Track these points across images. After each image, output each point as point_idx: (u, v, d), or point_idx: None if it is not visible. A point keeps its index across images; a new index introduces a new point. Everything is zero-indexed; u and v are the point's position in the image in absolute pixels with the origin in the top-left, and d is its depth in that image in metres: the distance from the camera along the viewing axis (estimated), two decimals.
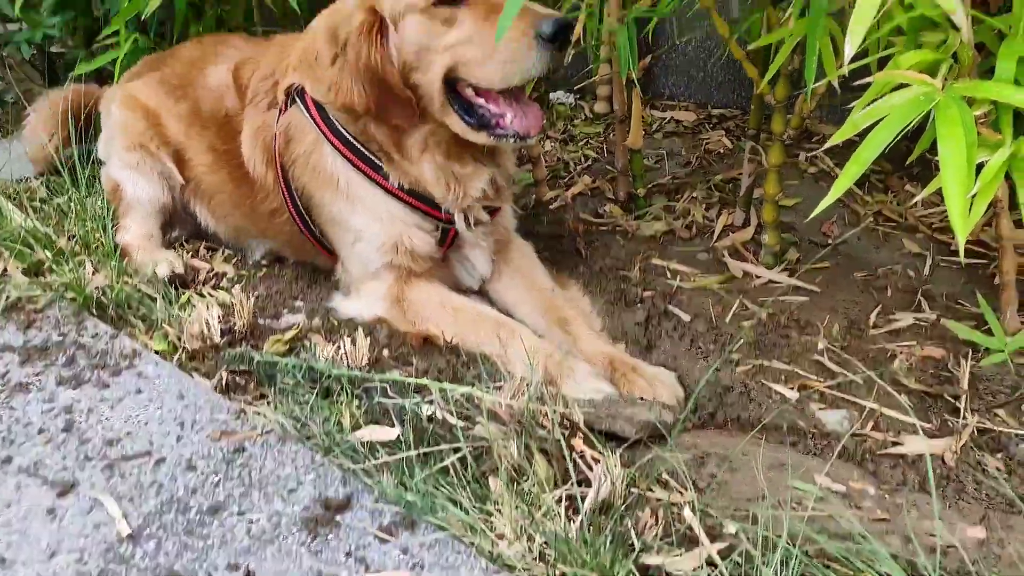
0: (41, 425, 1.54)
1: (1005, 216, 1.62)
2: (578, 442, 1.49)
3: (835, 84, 1.49)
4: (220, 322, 1.92)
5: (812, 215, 1.48)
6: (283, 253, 2.26)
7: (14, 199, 2.52)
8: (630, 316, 1.96)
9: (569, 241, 2.28)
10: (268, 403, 1.63)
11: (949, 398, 1.65)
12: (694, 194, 2.47)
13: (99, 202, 2.37)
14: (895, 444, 1.55)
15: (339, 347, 1.76)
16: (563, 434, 1.49)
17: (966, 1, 1.33)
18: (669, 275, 2.14)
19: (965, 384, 1.65)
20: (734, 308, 1.99)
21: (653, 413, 1.64)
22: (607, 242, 2.28)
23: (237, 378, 1.77)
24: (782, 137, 1.98)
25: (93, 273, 2.07)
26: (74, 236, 2.23)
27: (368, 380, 1.60)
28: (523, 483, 1.39)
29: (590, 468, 1.41)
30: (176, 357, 1.82)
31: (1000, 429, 1.54)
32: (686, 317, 1.97)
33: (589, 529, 1.26)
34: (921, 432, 1.55)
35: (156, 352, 1.82)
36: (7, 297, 1.94)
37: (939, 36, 1.41)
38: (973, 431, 1.55)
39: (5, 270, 2.10)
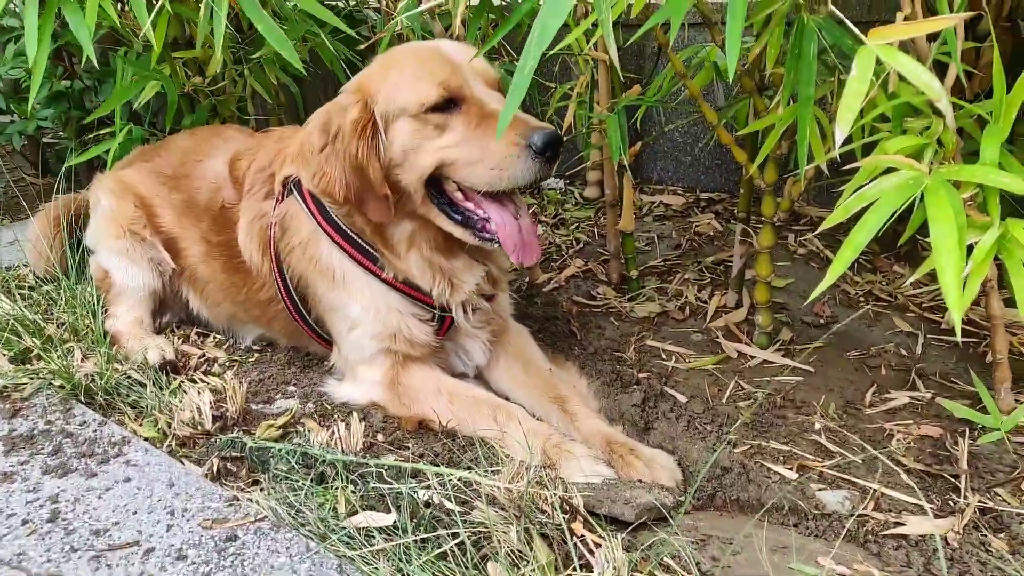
0: (25, 516, 1.50)
1: (995, 295, 1.65)
2: (578, 526, 1.46)
3: (824, 168, 1.53)
4: (212, 408, 1.90)
5: (811, 299, 1.51)
6: (276, 339, 2.25)
7: (3, 286, 2.51)
8: (626, 398, 1.96)
9: (563, 323, 2.29)
10: (261, 490, 1.60)
11: (949, 477, 1.63)
12: (686, 276, 2.50)
13: (88, 289, 2.37)
14: (897, 524, 1.53)
15: (333, 432, 1.74)
16: (563, 518, 1.46)
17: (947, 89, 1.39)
18: (664, 356, 2.14)
19: (964, 463, 1.64)
20: (730, 389, 1.99)
21: (652, 495, 1.62)
22: (601, 324, 2.29)
23: (229, 465, 1.74)
24: (772, 219, 2.02)
25: (82, 360, 2.05)
26: (63, 323, 2.22)
27: (363, 465, 1.58)
28: (523, 569, 1.36)
29: (591, 552, 1.38)
30: (166, 444, 1.80)
31: (1002, 508, 1.53)
32: (682, 398, 1.97)
33: None
34: (927, 512, 1.53)
35: (145, 439, 1.80)
36: None
37: (923, 122, 1.46)
38: (975, 511, 1.53)
39: None
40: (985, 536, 1.49)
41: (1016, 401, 1.78)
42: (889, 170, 1.35)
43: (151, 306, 2.34)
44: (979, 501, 1.55)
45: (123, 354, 2.14)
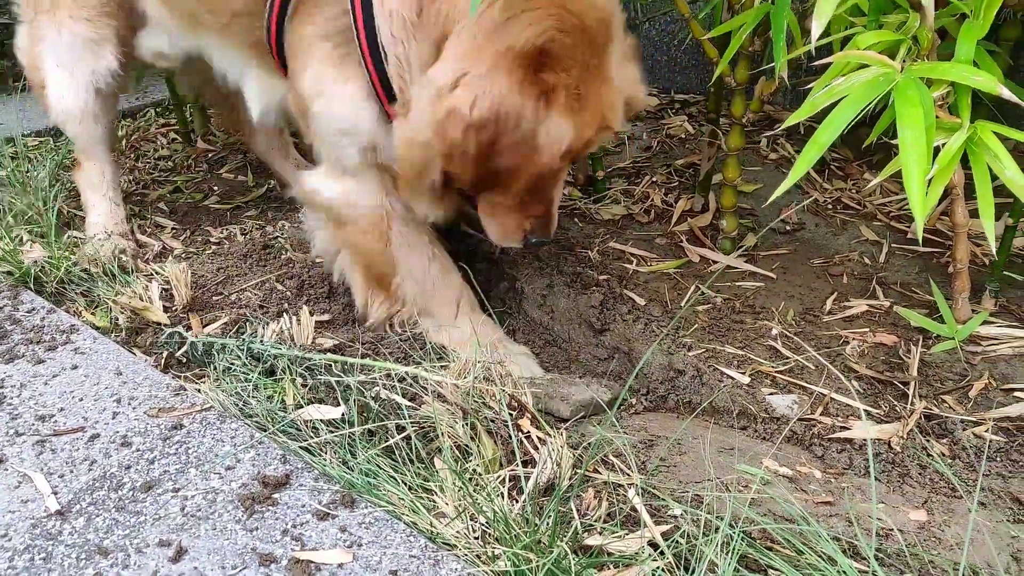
0: None
1: (960, 203, 1.62)
2: (525, 422, 1.46)
3: (802, 58, 1.47)
4: (163, 298, 1.87)
5: (770, 200, 1.47)
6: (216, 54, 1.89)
7: None
8: (585, 298, 1.94)
9: None
10: (211, 381, 1.59)
11: (899, 384, 1.65)
12: (654, 179, 2.45)
13: (40, 173, 2.29)
14: (843, 429, 1.55)
15: (282, 326, 1.72)
16: (510, 415, 1.46)
17: None
18: (627, 259, 2.12)
19: (915, 371, 1.65)
20: (689, 293, 1.98)
21: (590, 392, 1.63)
22: (564, 224, 2.26)
23: (180, 356, 1.73)
24: (742, 121, 1.96)
25: (32, 246, 2.00)
26: (12, 207, 2.15)
27: (310, 360, 1.56)
28: (469, 463, 1.37)
29: (536, 449, 1.39)
30: (118, 335, 1.77)
31: (946, 415, 1.55)
32: (641, 301, 1.96)
33: (531, 509, 1.23)
34: (865, 417, 1.55)
35: (96, 328, 1.77)
36: None
37: (899, 18, 1.40)
38: (920, 417, 1.55)
39: None
40: (928, 441, 1.52)
41: (973, 311, 1.78)
42: (861, 67, 1.30)
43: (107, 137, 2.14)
44: (925, 407, 1.57)
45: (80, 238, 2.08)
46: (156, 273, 1.98)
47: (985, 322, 1.76)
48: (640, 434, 1.57)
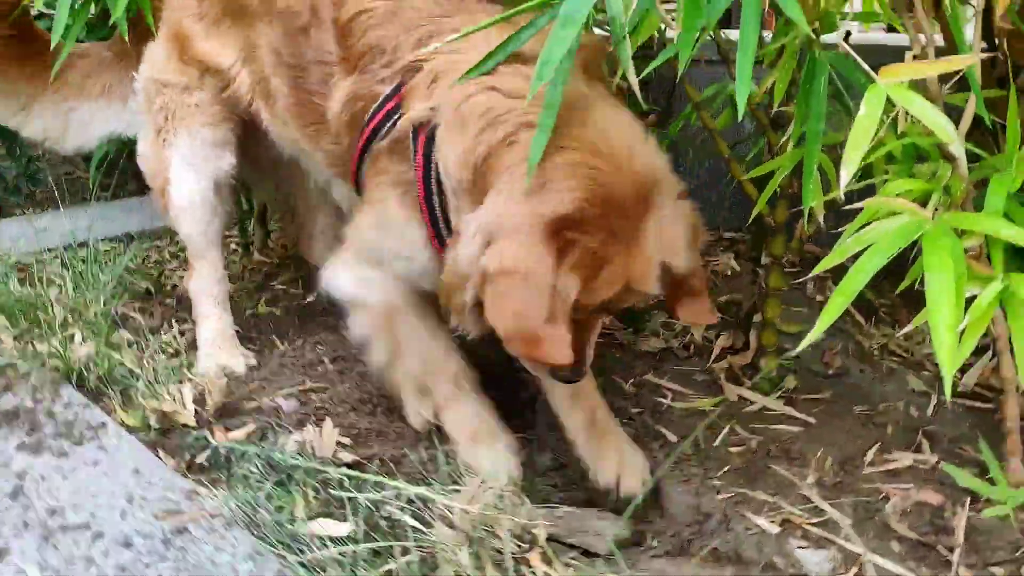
0: None
1: (1006, 356, 1.55)
2: (535, 557, 1.41)
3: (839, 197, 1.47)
4: (196, 402, 1.90)
5: (803, 344, 1.44)
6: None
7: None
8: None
9: None
10: (225, 488, 1.58)
11: (942, 549, 1.53)
12: None
13: (93, 270, 2.40)
14: None
15: (305, 437, 1.72)
16: (519, 547, 1.41)
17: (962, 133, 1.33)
18: (662, 394, 2.07)
19: (961, 536, 1.53)
20: (723, 433, 1.91)
21: (626, 529, 1.58)
22: (602, 352, 2.24)
23: (202, 461, 1.73)
24: (781, 260, 1.95)
25: (82, 342, 2.08)
26: (69, 305, 2.25)
27: (325, 472, 1.55)
28: None
29: None
30: (147, 434, 1.79)
31: None
32: (673, 438, 1.90)
33: None
34: None
35: (127, 427, 1.80)
36: None
37: (931, 167, 1.40)
38: None
39: None
40: None
41: None
42: (892, 215, 1.29)
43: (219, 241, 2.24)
44: None
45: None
46: (189, 378, 2.01)
47: None
48: None
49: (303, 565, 1.34)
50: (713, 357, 2.21)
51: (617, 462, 1.71)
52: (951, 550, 1.51)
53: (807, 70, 1.36)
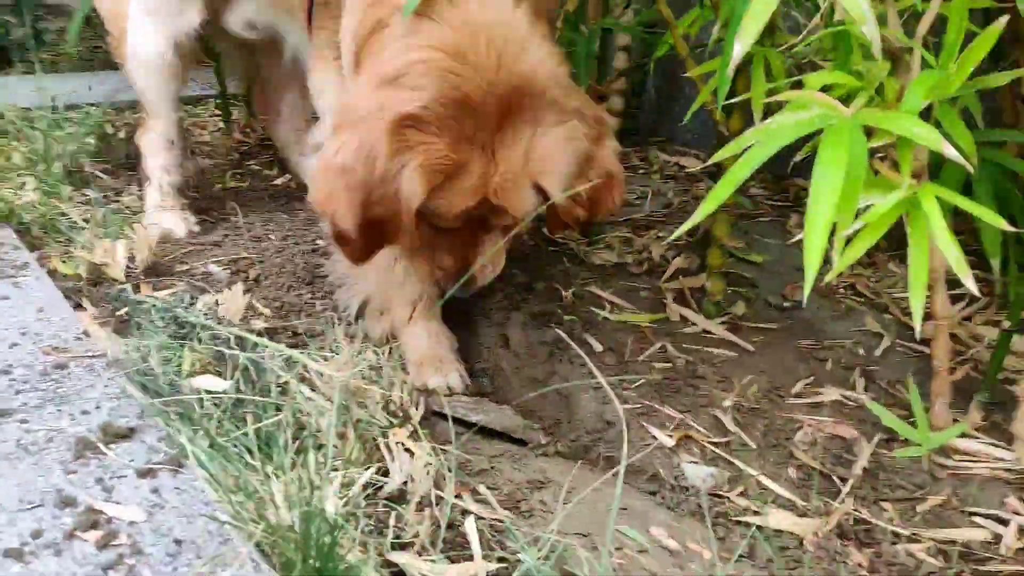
0: None
1: (941, 291, 1.45)
2: (402, 432, 1.38)
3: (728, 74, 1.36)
4: (128, 259, 1.90)
5: (678, 232, 1.36)
6: None
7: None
8: (539, 334, 1.85)
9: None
10: (121, 334, 1.58)
11: (837, 480, 1.47)
12: (660, 233, 2.34)
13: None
14: (755, 514, 1.39)
15: (217, 299, 1.71)
16: (389, 422, 1.39)
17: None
18: (602, 305, 2.01)
19: (859, 468, 1.46)
20: (653, 349, 1.85)
21: (509, 421, 1.57)
22: (551, 263, 2.18)
23: (120, 314, 1.74)
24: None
25: (31, 189, 2.09)
26: (29, 157, 2.26)
27: (214, 330, 1.54)
28: (331, 461, 1.29)
29: (392, 458, 1.30)
30: (77, 283, 1.81)
31: (876, 522, 1.36)
32: (598, 347, 1.84)
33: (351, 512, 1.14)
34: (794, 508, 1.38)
35: (52, 272, 1.81)
36: None
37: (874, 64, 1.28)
38: (847, 518, 1.37)
39: None
40: (846, 547, 1.33)
41: (955, 420, 1.57)
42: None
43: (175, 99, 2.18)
44: (855, 509, 1.38)
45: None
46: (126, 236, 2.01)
47: (964, 435, 1.55)
48: (535, 475, 1.45)
49: (168, 409, 1.33)
50: (665, 276, 2.13)
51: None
52: (844, 480, 1.45)
53: None
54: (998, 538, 1.35)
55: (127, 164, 2.51)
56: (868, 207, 1.14)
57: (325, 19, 1.66)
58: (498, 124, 1.34)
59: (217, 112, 3.03)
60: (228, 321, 1.66)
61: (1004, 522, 1.38)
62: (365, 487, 1.23)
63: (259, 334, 1.67)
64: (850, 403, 1.71)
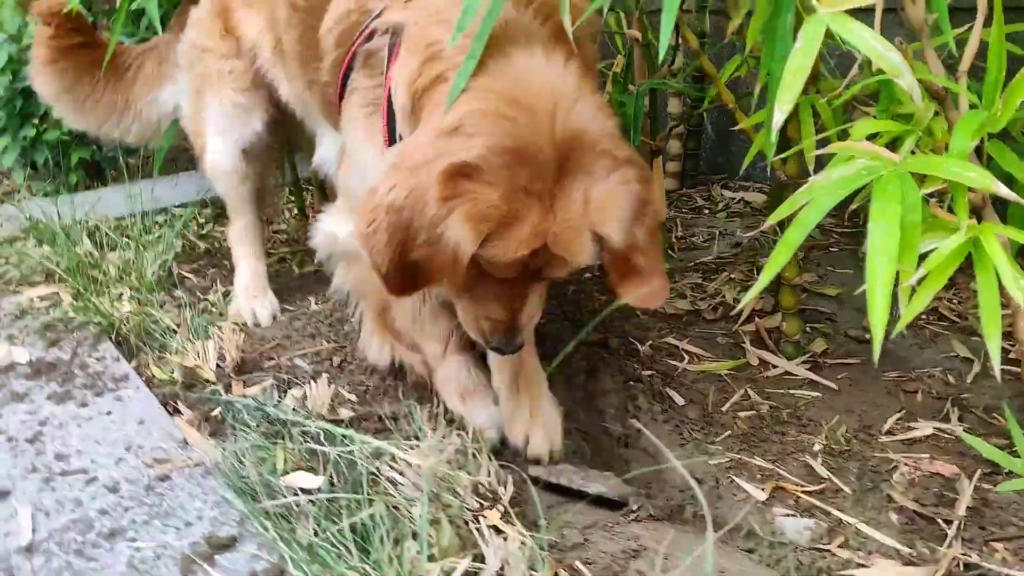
0: (11, 433, 1.64)
1: (1022, 318, 1.41)
2: (494, 514, 1.40)
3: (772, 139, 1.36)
4: (218, 358, 1.99)
5: (747, 297, 1.34)
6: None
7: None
8: (623, 393, 1.86)
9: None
10: (216, 437, 1.66)
11: (942, 523, 1.42)
12: (732, 275, 2.32)
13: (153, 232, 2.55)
14: (860, 566, 1.35)
15: (305, 392, 1.77)
16: (480, 504, 1.41)
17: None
18: (679, 356, 2.00)
19: (963, 508, 1.41)
20: (735, 397, 1.83)
21: (603, 487, 1.57)
22: (627, 316, 2.19)
23: (216, 414, 1.82)
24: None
25: (127, 299, 2.22)
26: (121, 267, 2.40)
27: (304, 426, 1.60)
28: (431, 549, 1.32)
29: (484, 541, 1.32)
30: (173, 388, 1.90)
31: (987, 565, 1.31)
32: (680, 400, 1.84)
33: None
34: (899, 556, 1.34)
35: (149, 381, 1.91)
36: (44, 317, 2.12)
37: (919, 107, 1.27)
38: (956, 564, 1.32)
39: (57, 293, 2.29)
40: None
41: None
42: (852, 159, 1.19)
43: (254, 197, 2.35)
44: (964, 553, 1.33)
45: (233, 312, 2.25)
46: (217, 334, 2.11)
47: None
48: (628, 543, 1.45)
49: (266, 513, 1.39)
50: (741, 319, 2.11)
51: (528, 421, 1.65)
52: (949, 523, 1.40)
53: (773, 6, 1.25)
54: None
55: (213, 262, 2.64)
56: (931, 251, 1.12)
57: (362, 78, 1.71)
58: (554, 174, 1.35)
59: (291, 199, 3.16)
60: (317, 413, 1.72)
61: None
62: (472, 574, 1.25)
63: (346, 425, 1.73)
64: (946, 436, 1.66)
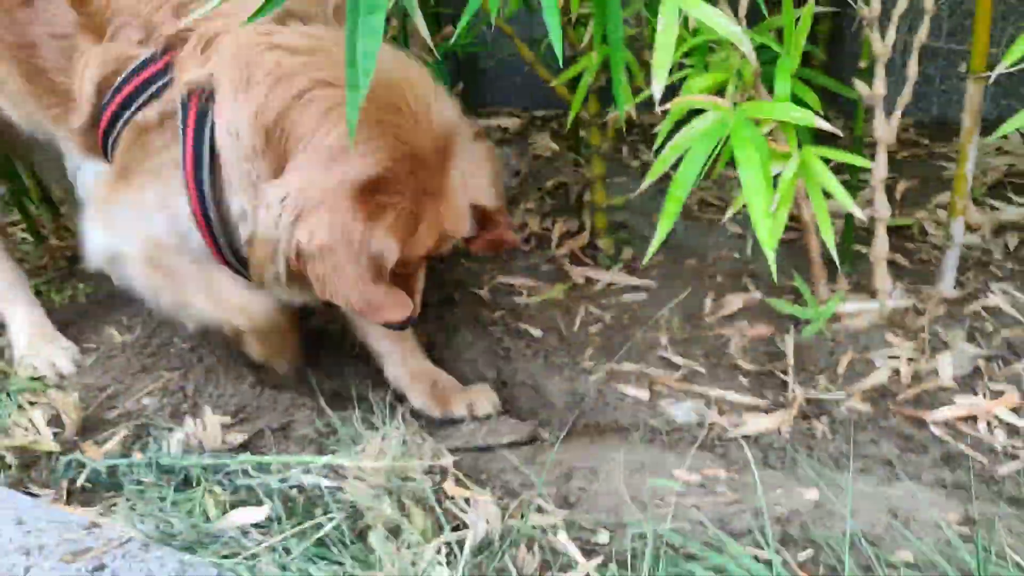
0: None
1: (806, 204, 1.76)
2: (450, 485, 1.52)
3: (631, 113, 1.57)
4: (50, 426, 1.80)
5: (648, 255, 1.59)
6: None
7: None
8: (486, 339, 2.01)
9: None
10: (121, 509, 1.55)
11: (779, 374, 1.79)
12: (528, 205, 2.53)
13: None
14: (737, 426, 1.68)
15: (187, 433, 1.70)
16: (433, 482, 1.51)
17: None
18: (516, 291, 2.19)
19: (791, 359, 1.79)
20: (580, 316, 2.07)
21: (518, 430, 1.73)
22: (449, 263, 2.31)
23: (83, 484, 1.67)
24: (601, 149, 2.07)
25: None
26: None
27: (225, 465, 1.56)
28: (403, 535, 1.41)
29: (464, 511, 1.44)
30: (9, 474, 1.70)
31: (822, 396, 1.69)
32: (538, 332, 2.04)
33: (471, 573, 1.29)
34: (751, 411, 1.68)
35: None
36: None
37: (722, 55, 1.52)
38: (802, 402, 1.69)
39: None
40: (811, 423, 1.66)
41: (831, 291, 1.93)
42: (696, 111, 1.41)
43: None
44: (804, 392, 1.70)
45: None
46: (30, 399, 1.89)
47: (842, 300, 1.92)
48: (558, 468, 1.64)
49: (236, 560, 1.37)
50: (554, 244, 2.34)
51: (466, 403, 1.82)
52: (785, 372, 1.77)
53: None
54: (896, 372, 1.72)
55: None
56: (776, 176, 1.40)
57: (151, 134, 1.60)
58: (440, 168, 1.48)
59: (12, 222, 2.75)
60: (213, 450, 1.67)
61: (895, 357, 1.75)
62: (459, 543, 1.36)
63: (242, 447, 1.70)
64: (752, 304, 2.03)
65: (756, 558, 1.29)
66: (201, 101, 1.47)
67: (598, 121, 2.02)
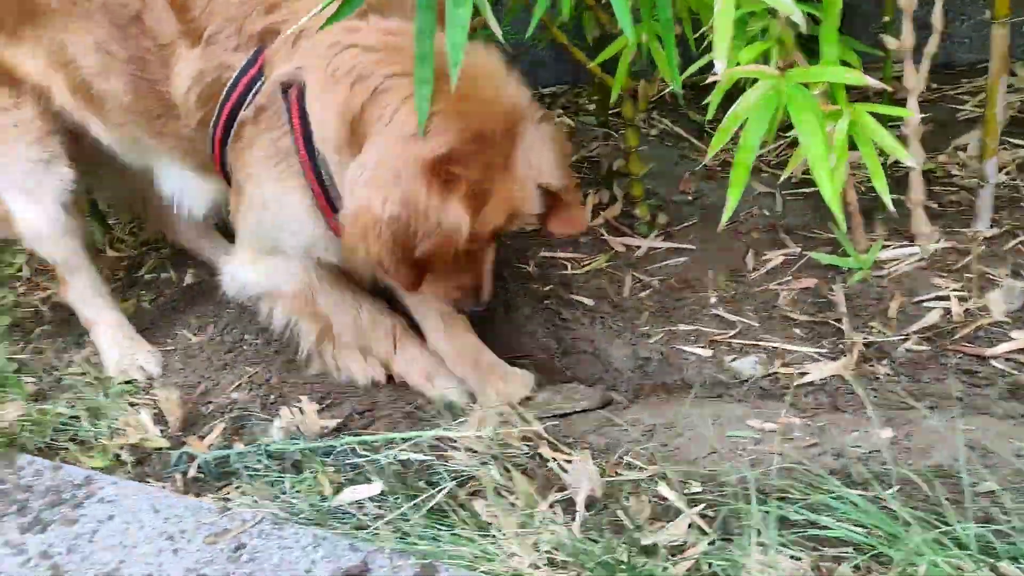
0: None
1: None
2: (545, 449, 1.64)
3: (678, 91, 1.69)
4: (155, 424, 1.92)
5: (723, 222, 1.71)
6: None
7: None
8: (542, 313, 2.12)
9: None
10: (243, 493, 1.67)
11: (832, 322, 1.91)
12: None
13: None
14: (802, 375, 1.81)
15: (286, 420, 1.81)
16: (529, 447, 1.64)
17: None
18: (561, 265, 2.30)
19: (843, 306, 1.91)
20: (628, 283, 2.18)
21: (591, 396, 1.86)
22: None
23: (196, 474, 1.79)
24: (635, 121, 2.17)
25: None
26: None
27: (331, 448, 1.68)
28: (510, 498, 1.53)
29: (564, 471, 1.57)
30: (126, 471, 1.81)
31: (879, 340, 1.82)
32: (590, 302, 2.15)
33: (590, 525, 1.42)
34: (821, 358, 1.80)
35: (99, 470, 1.81)
36: None
37: (760, 23, 1.62)
38: (861, 347, 1.81)
39: None
40: (872, 367, 1.78)
41: (870, 240, 2.06)
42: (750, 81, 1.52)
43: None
44: (863, 338, 1.83)
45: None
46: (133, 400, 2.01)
47: (883, 247, 2.04)
48: (638, 427, 1.77)
49: (362, 531, 1.49)
50: (589, 217, 2.44)
51: (502, 389, 1.86)
52: (839, 320, 1.89)
53: None
54: (947, 311, 1.86)
55: (47, 333, 2.38)
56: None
57: (259, 132, 1.73)
58: (507, 147, 1.58)
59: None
60: (314, 434, 1.78)
61: (944, 298, 1.89)
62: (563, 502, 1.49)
63: (336, 430, 1.82)
64: (791, 257, 2.15)
65: (842, 498, 1.40)
66: (299, 93, 1.60)
67: (630, 94, 2.12)
